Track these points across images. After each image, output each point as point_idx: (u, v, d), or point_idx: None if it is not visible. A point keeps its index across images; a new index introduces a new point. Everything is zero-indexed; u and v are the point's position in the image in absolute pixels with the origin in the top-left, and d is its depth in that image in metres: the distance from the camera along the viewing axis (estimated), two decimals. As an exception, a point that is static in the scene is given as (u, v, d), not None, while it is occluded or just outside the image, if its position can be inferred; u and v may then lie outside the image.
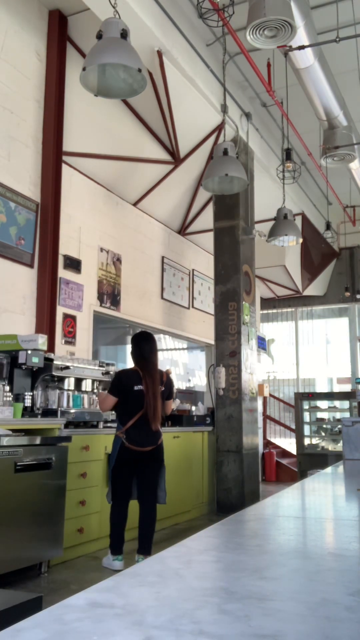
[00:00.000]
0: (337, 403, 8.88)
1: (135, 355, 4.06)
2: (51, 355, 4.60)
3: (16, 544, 3.50)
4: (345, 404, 8.63)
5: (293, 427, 9.37)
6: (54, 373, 4.56)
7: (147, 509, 3.96)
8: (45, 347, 4.47)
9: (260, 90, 6.75)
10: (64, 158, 5.64)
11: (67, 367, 4.66)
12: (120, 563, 3.89)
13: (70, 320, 5.88)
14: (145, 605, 0.56)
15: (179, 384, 7.15)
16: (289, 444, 10.14)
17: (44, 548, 3.74)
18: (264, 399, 10.17)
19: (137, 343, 4.08)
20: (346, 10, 5.30)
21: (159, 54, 5.08)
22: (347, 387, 10.53)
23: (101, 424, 4.91)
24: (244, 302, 6.58)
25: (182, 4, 5.30)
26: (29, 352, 4.30)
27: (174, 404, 6.57)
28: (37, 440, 3.76)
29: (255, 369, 6.86)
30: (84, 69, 3.16)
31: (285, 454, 9.98)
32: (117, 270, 6.83)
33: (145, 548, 3.89)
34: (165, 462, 5.68)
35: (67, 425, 4.37)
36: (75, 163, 6.06)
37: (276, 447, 10.12)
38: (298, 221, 8.64)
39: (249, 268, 6.80)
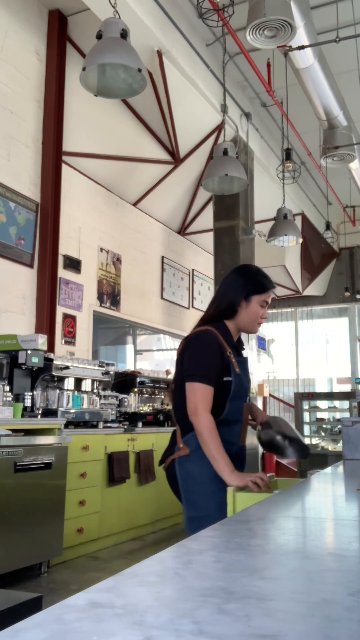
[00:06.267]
0: (337, 403, 8.87)
1: None
2: (51, 355, 4.60)
3: (16, 544, 3.50)
4: (345, 404, 8.63)
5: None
6: (53, 373, 4.56)
7: None
8: (45, 347, 4.47)
9: (260, 90, 6.75)
10: (64, 158, 5.64)
11: (67, 367, 4.66)
12: None
13: (70, 320, 5.88)
14: (145, 605, 0.56)
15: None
16: (288, 444, 10.11)
17: (44, 548, 3.74)
18: (264, 399, 10.16)
19: None
20: (346, 10, 5.30)
21: (159, 54, 5.08)
22: (347, 387, 10.53)
23: (101, 424, 4.92)
24: (244, 302, 6.57)
25: (182, 4, 5.30)
26: (29, 352, 4.30)
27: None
28: (37, 440, 3.76)
29: (255, 369, 6.85)
30: (84, 69, 3.15)
31: (285, 454, 9.97)
32: (117, 270, 6.83)
33: None
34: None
35: (67, 425, 4.37)
36: (75, 163, 6.06)
37: (276, 447, 10.09)
38: (298, 221, 8.64)
39: (249, 268, 6.79)
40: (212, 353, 2.04)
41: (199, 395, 1.99)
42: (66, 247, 5.85)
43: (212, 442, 1.96)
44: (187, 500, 2.06)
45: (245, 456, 2.16)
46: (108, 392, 5.38)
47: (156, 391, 6.37)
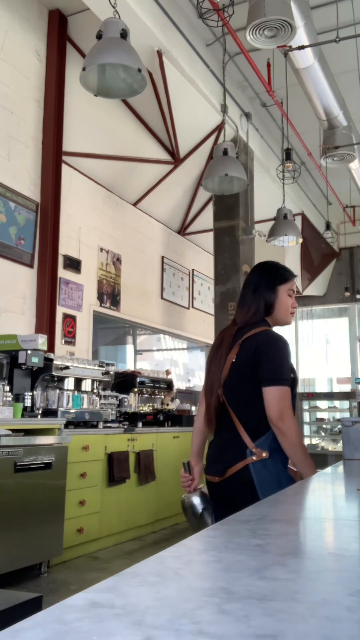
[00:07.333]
0: (337, 403, 8.88)
1: None
2: (51, 355, 4.60)
3: (16, 544, 3.50)
4: (345, 404, 8.63)
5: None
6: (53, 373, 4.57)
7: None
8: (45, 347, 4.47)
9: (260, 90, 6.75)
10: (64, 158, 5.64)
11: (67, 367, 4.67)
12: None
13: (70, 320, 5.88)
14: (145, 605, 0.56)
15: (179, 384, 7.15)
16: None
17: (44, 548, 3.74)
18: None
19: None
20: (346, 10, 5.30)
21: (159, 54, 5.08)
22: (347, 387, 10.52)
23: (101, 424, 4.92)
24: (244, 302, 6.56)
25: (182, 4, 5.30)
26: (29, 352, 4.30)
27: (174, 404, 6.56)
28: (37, 440, 3.76)
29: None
30: (83, 69, 3.15)
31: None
32: (117, 270, 6.83)
33: None
34: (166, 462, 5.70)
35: (67, 425, 4.37)
36: (75, 163, 6.05)
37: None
38: (298, 221, 8.63)
39: (248, 268, 6.80)
40: (288, 354, 2.05)
41: (287, 400, 1.98)
42: (66, 247, 5.85)
43: (303, 446, 1.98)
44: None
45: None
46: (108, 392, 5.38)
47: (156, 391, 6.37)
